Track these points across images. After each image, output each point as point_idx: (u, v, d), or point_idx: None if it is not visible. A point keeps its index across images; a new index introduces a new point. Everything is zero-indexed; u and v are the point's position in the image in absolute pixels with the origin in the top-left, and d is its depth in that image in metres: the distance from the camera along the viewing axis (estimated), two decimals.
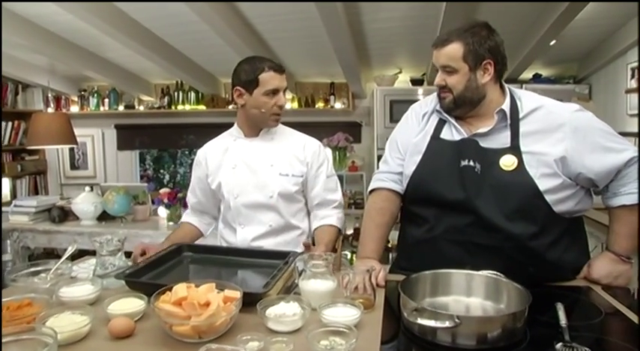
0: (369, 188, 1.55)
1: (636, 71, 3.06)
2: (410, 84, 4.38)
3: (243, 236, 1.68)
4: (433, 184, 1.38)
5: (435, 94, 1.51)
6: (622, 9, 3.01)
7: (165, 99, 4.37)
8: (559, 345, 0.95)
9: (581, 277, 1.39)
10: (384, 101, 4.15)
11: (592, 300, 1.25)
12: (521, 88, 3.65)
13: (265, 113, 1.62)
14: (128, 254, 1.49)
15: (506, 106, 1.35)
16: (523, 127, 1.33)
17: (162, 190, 3.31)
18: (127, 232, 3.12)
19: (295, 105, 4.61)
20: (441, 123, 1.45)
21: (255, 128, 1.71)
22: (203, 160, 1.77)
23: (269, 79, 1.59)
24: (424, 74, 4.38)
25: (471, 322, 0.95)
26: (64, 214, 3.34)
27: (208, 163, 1.75)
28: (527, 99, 1.38)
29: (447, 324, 0.94)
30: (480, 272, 1.17)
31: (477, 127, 1.38)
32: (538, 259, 1.30)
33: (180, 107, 4.41)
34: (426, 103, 1.52)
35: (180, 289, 0.99)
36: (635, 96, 3.09)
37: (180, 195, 3.30)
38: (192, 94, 4.40)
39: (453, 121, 1.41)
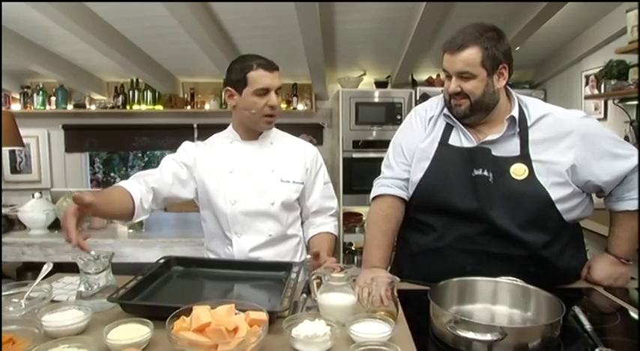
0: (373, 194, 1.50)
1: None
2: (374, 86, 4.40)
3: (240, 247, 1.56)
4: (443, 193, 1.35)
5: (440, 97, 1.49)
6: (578, 19, 3.18)
7: (120, 98, 4.08)
8: (598, 350, 0.94)
9: (581, 279, 1.42)
10: (350, 103, 4.14)
11: (600, 302, 1.27)
12: None
13: (256, 114, 1.52)
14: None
15: (515, 112, 1.34)
16: (532, 134, 1.33)
17: None
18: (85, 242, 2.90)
19: None
20: (449, 128, 1.42)
21: (251, 131, 1.60)
22: (192, 153, 1.60)
23: (257, 77, 1.48)
24: (388, 76, 4.41)
25: (515, 333, 0.92)
26: (9, 224, 3.03)
27: (197, 160, 1.59)
28: (534, 106, 1.38)
29: (490, 336, 0.91)
30: (503, 279, 1.15)
31: (485, 134, 1.37)
32: (549, 267, 1.31)
33: (135, 107, 4.14)
34: (431, 106, 1.49)
35: (203, 314, 0.88)
36: (590, 102, 3.28)
37: None
38: (149, 94, 4.14)
39: (462, 127, 1.39)
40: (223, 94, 1.58)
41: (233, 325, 0.86)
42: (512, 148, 1.34)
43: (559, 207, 1.29)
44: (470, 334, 0.91)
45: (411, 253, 1.45)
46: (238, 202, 1.55)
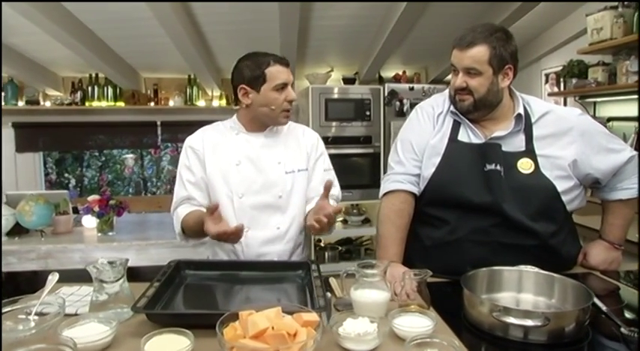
0: (384, 190, 1.51)
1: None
2: (341, 82, 4.42)
3: (248, 242, 1.52)
4: (456, 187, 1.39)
5: (445, 94, 1.53)
6: (538, 21, 3.37)
7: (78, 94, 3.83)
8: (622, 329, 1.02)
9: (577, 265, 1.51)
10: (319, 99, 4.13)
11: (599, 285, 1.36)
12: (447, 88, 3.97)
13: (275, 110, 1.50)
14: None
15: (521, 110, 1.41)
16: (535, 131, 1.40)
17: (90, 197, 2.91)
18: (52, 248, 2.71)
19: (223, 102, 4.39)
20: (456, 125, 1.46)
21: (261, 126, 1.57)
22: (201, 147, 1.56)
23: (276, 72, 1.47)
24: (356, 73, 4.46)
25: (556, 318, 0.97)
26: None
27: (205, 150, 1.55)
28: (536, 104, 1.46)
29: (532, 322, 0.96)
30: (523, 267, 1.21)
31: (491, 131, 1.43)
32: (555, 255, 1.39)
33: (95, 104, 3.91)
34: (437, 103, 1.53)
35: (260, 320, 0.85)
36: (550, 99, 3.48)
37: (112, 202, 2.93)
38: (110, 90, 3.92)
39: (469, 124, 1.44)
40: (237, 92, 1.53)
41: (294, 329, 0.84)
42: (518, 143, 1.40)
43: (564, 198, 1.37)
44: (517, 321, 0.96)
45: (423, 246, 1.48)
46: (246, 196, 1.53)
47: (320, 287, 1.18)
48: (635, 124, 2.69)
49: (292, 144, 1.61)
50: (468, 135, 1.45)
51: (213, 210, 1.29)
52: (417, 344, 0.92)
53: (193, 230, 1.46)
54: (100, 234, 2.93)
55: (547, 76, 3.55)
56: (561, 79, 3.20)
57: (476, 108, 1.40)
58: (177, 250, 2.78)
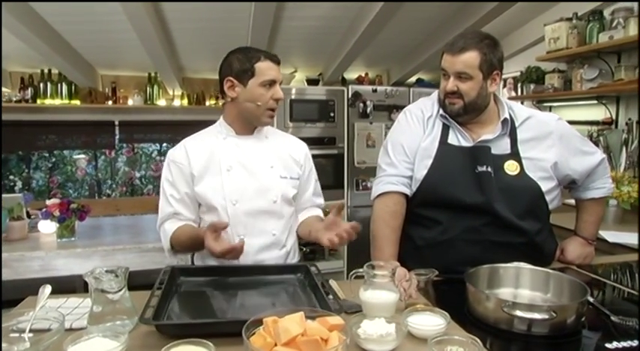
0: (377, 192, 1.53)
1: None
2: (305, 83, 4.43)
3: (245, 249, 1.48)
4: (448, 188, 1.44)
5: (433, 98, 1.58)
6: (497, 28, 3.54)
7: (29, 91, 3.58)
8: (612, 318, 1.10)
9: (555, 260, 1.61)
10: (284, 100, 4.12)
11: (579, 278, 1.45)
12: (409, 90, 4.08)
13: (261, 107, 1.46)
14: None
15: (507, 114, 1.48)
16: (519, 134, 1.48)
17: (50, 201, 2.72)
18: (7, 257, 2.52)
19: (185, 102, 4.27)
20: (446, 128, 1.52)
21: (248, 125, 1.54)
22: (185, 160, 1.50)
23: (266, 69, 1.44)
24: (320, 74, 4.48)
25: (560, 311, 1.03)
26: None
27: (192, 163, 1.50)
28: (518, 109, 1.55)
29: (539, 316, 1.02)
30: (515, 264, 1.28)
31: (478, 134, 1.49)
32: (539, 251, 1.48)
33: (48, 101, 3.67)
34: (426, 107, 1.57)
35: (292, 326, 0.84)
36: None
37: (73, 206, 2.77)
38: (64, 87, 3.69)
39: (458, 127, 1.50)
40: (223, 84, 1.49)
41: (326, 335, 0.84)
42: (504, 146, 1.48)
43: (547, 198, 1.46)
44: (526, 315, 1.01)
45: (415, 246, 1.52)
46: (240, 202, 1.49)
47: (325, 290, 1.19)
48: (587, 127, 2.91)
49: (284, 151, 1.58)
50: (458, 138, 1.50)
51: (218, 228, 1.27)
52: (438, 342, 0.95)
53: (185, 246, 1.43)
54: (59, 240, 2.75)
55: (505, 80, 3.74)
56: (519, 84, 3.39)
57: (465, 111, 1.46)
58: (146, 255, 2.68)
